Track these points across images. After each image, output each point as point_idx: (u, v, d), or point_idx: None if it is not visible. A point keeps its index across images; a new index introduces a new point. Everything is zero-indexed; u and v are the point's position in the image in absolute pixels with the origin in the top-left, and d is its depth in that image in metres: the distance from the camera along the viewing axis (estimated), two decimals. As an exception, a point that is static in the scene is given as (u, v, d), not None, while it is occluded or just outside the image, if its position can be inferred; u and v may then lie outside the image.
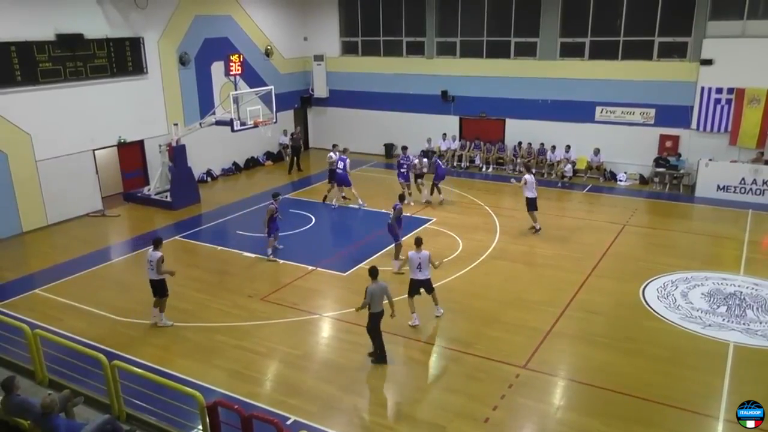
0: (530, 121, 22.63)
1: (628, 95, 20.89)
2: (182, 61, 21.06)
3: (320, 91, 26.62)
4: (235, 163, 23.88)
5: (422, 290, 11.43)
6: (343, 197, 19.04)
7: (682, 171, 20.13)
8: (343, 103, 26.37)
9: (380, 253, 14.99)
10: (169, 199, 19.06)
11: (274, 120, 19.45)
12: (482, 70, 23.27)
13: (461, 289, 13.07)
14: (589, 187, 20.97)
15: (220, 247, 15.71)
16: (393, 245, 14.24)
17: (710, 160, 19.38)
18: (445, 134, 24.09)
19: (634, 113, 21.00)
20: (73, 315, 12.12)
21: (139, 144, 20.21)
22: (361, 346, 10.56)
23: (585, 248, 15.16)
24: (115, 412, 8.09)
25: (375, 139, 25.63)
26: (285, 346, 10.90)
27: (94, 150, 18.68)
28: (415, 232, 16.28)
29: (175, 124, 19.52)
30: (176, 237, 16.54)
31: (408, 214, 17.03)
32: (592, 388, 9.55)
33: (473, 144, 23.82)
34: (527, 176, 16.03)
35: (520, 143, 22.90)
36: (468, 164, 23.58)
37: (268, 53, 24.68)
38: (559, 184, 21.23)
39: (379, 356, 10.21)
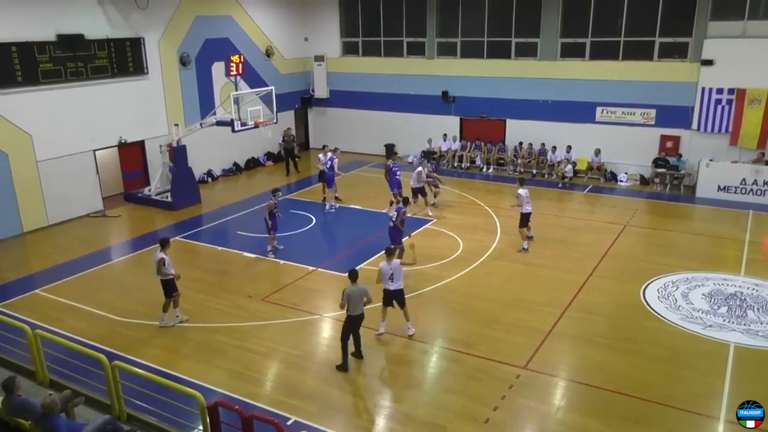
0: (531, 121, 22.62)
1: (628, 96, 20.89)
2: (183, 62, 21.07)
3: (321, 91, 26.63)
4: (235, 164, 23.89)
5: (395, 303, 10.94)
6: (336, 197, 19.05)
7: (682, 171, 20.12)
8: (343, 103, 26.38)
9: (381, 253, 14.95)
10: (169, 199, 19.07)
11: (275, 120, 19.46)
12: (483, 71, 23.27)
13: (461, 289, 13.07)
14: (589, 187, 20.97)
15: (220, 248, 15.72)
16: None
17: (711, 160, 19.38)
18: (445, 135, 24.09)
19: (634, 114, 20.99)
20: (73, 315, 12.13)
21: (140, 144, 20.22)
22: (364, 349, 10.54)
23: (585, 249, 15.15)
24: (116, 413, 8.10)
25: (375, 140, 25.63)
26: (285, 347, 10.90)
27: (94, 150, 18.68)
28: (415, 232, 16.32)
29: (176, 125, 19.53)
30: (177, 237, 16.54)
31: (409, 215, 17.01)
32: (592, 388, 9.55)
33: (474, 144, 23.82)
34: (520, 191, 14.85)
35: (520, 143, 22.89)
36: (469, 165, 23.58)
37: (268, 53, 24.69)
38: (560, 185, 21.22)
39: (341, 366, 10.07)
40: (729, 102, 19.37)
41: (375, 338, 10.94)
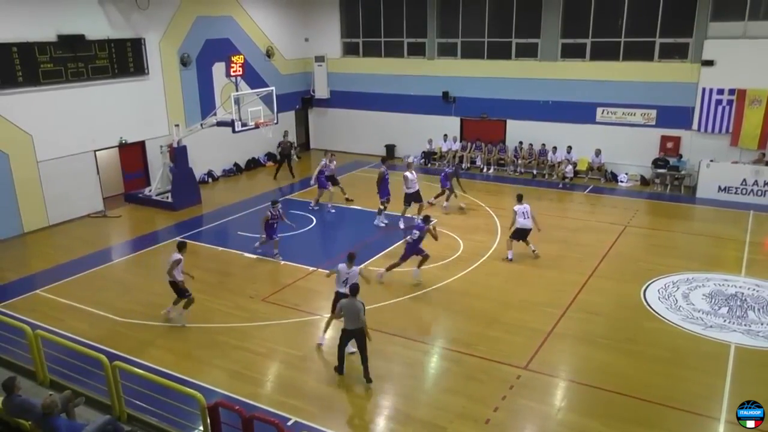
0: (531, 122, 22.62)
1: (629, 96, 20.89)
2: (183, 62, 21.08)
3: (321, 92, 26.64)
4: (236, 164, 23.90)
5: None
6: (347, 198, 19.07)
7: (683, 172, 20.12)
8: (344, 104, 26.39)
9: (381, 254, 14.99)
10: (170, 199, 19.07)
11: (275, 121, 19.48)
12: (483, 71, 23.27)
13: (462, 289, 13.06)
14: (590, 188, 20.97)
15: (221, 248, 15.72)
16: (412, 256, 13.49)
17: (711, 161, 19.38)
18: (446, 135, 24.10)
19: (635, 114, 20.99)
20: (74, 316, 12.13)
21: (141, 145, 20.23)
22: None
23: (586, 249, 15.15)
24: (116, 413, 8.10)
25: (376, 140, 25.64)
26: (286, 347, 10.90)
27: (95, 151, 18.69)
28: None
29: (177, 125, 19.54)
30: (177, 238, 16.52)
31: (409, 216, 17.03)
32: (593, 389, 9.54)
33: (474, 145, 23.82)
34: (516, 207, 14.36)
35: (520, 144, 22.89)
36: (469, 165, 23.58)
37: (269, 54, 24.70)
38: (560, 185, 21.22)
39: (337, 368, 9.99)
40: (729, 102, 19.37)
41: (390, 335, 10.87)
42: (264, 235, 14.84)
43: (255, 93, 19.44)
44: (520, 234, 14.48)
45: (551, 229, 16.35)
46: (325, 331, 10.98)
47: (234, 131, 17.96)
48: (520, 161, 22.72)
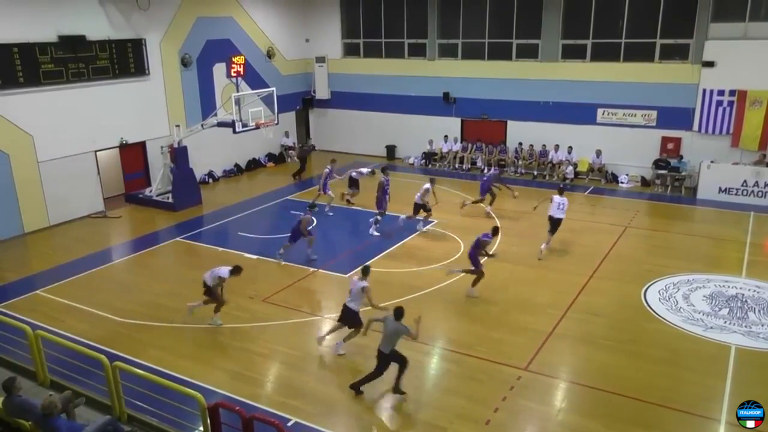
0: (532, 123, 22.61)
1: (629, 97, 20.89)
2: (184, 63, 21.10)
3: (322, 92, 26.64)
4: (236, 165, 23.90)
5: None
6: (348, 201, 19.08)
7: (683, 173, 20.11)
8: (344, 104, 26.40)
9: (381, 255, 14.99)
10: (170, 200, 19.08)
11: (276, 122, 19.48)
12: (484, 72, 23.27)
13: (463, 290, 13.04)
14: (590, 189, 20.96)
15: (221, 249, 15.72)
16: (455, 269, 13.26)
17: (712, 162, 19.37)
18: (446, 136, 24.10)
19: (635, 115, 20.98)
20: (74, 316, 12.13)
21: (141, 145, 20.24)
22: (363, 348, 10.53)
23: (586, 250, 15.15)
24: (116, 413, 8.10)
25: (376, 141, 25.65)
26: (286, 348, 10.90)
27: (95, 151, 18.70)
28: (415, 234, 16.33)
29: (177, 126, 19.56)
30: (177, 238, 16.55)
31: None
32: (593, 390, 9.53)
33: (475, 146, 23.82)
34: (554, 197, 15.12)
35: (520, 144, 22.90)
36: (470, 166, 23.57)
37: (269, 55, 24.71)
38: (561, 186, 21.15)
39: (355, 384, 9.47)
40: (730, 104, 19.36)
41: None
42: (310, 236, 14.55)
43: (256, 93, 19.43)
44: (553, 224, 14.87)
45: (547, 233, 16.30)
46: (327, 333, 10.92)
47: (234, 132, 17.96)
48: (520, 162, 22.72)
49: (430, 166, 24.09)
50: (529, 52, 22.58)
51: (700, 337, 11.02)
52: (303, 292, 13.18)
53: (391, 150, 25.63)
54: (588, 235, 16.32)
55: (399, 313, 9.21)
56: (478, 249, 12.72)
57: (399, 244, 15.69)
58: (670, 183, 20.33)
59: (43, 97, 17.04)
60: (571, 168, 21.62)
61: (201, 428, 7.51)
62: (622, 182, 21.27)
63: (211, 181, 22.53)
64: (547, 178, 22.03)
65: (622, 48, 20.96)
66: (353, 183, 19.11)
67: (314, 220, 14.78)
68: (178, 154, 19.11)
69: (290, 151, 25.60)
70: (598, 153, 21.47)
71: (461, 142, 24.18)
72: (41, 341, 8.86)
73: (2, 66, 16.09)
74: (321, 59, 26.25)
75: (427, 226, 16.72)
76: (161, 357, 10.47)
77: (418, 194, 16.35)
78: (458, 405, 9.14)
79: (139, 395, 8.36)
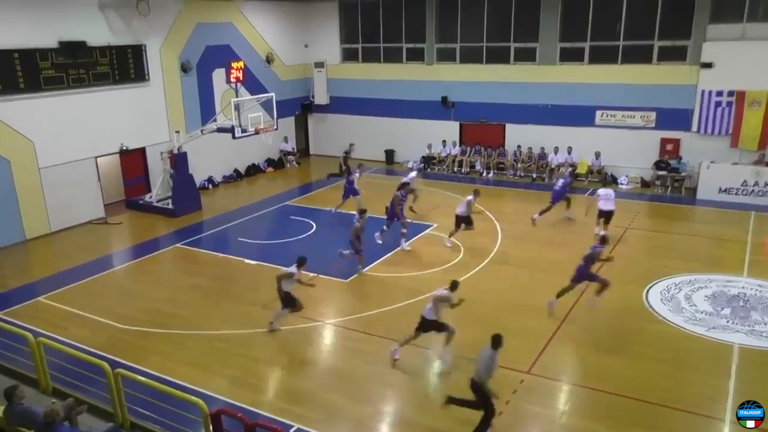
0: (530, 126, 22.65)
1: (628, 99, 20.93)
2: (184, 69, 21.13)
3: (321, 97, 26.68)
4: (236, 170, 23.91)
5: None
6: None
7: (683, 174, 20.13)
8: (343, 109, 26.43)
9: (381, 259, 14.99)
10: (170, 206, 19.08)
11: (275, 127, 19.50)
12: (482, 76, 23.31)
13: (464, 294, 12.85)
14: (590, 190, 20.93)
15: (221, 254, 15.71)
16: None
17: (711, 162, 19.39)
18: (444, 141, 24.13)
19: (634, 117, 21.02)
20: (76, 323, 12.11)
21: (141, 151, 20.25)
22: (365, 354, 10.53)
23: (577, 250, 15.06)
24: (119, 421, 8.09)
25: (376, 146, 25.67)
26: (288, 354, 10.89)
27: (96, 157, 18.71)
28: (415, 238, 16.32)
29: (177, 132, 19.58)
30: (178, 244, 16.54)
31: (408, 220, 16.93)
32: (596, 392, 9.52)
33: (474, 149, 23.84)
34: (600, 191, 16.09)
35: (519, 147, 22.92)
36: (469, 169, 23.59)
37: (269, 60, 24.76)
38: (604, 180, 21.08)
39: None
40: (729, 104, 19.40)
41: (389, 340, 10.86)
42: (359, 254, 14.18)
43: (255, 99, 19.45)
44: (605, 215, 15.71)
45: (553, 232, 16.36)
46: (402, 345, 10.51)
47: (234, 137, 17.96)
48: (519, 165, 22.74)
49: (429, 170, 24.10)
50: (527, 56, 22.62)
51: (702, 337, 11.01)
52: (304, 298, 13.10)
53: (389, 154, 25.65)
54: (589, 237, 16.28)
55: (496, 341, 8.39)
56: (591, 262, 12.01)
57: (397, 249, 15.65)
58: (669, 184, 20.36)
59: (43, 103, 17.05)
60: (570, 170, 21.62)
61: (204, 434, 7.49)
62: (621, 184, 21.28)
63: (210, 186, 22.54)
64: (546, 180, 22.02)
65: (620, 50, 21.01)
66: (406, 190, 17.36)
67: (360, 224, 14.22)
68: (178, 160, 19.12)
69: (290, 156, 25.62)
70: (598, 155, 21.50)
71: (460, 146, 24.21)
72: (43, 348, 8.85)
73: (3, 72, 16.10)
74: (320, 64, 26.30)
75: (406, 244, 15.87)
76: (163, 364, 10.45)
77: (461, 207, 15.56)
78: (461, 410, 9.08)
79: (142, 402, 8.33)
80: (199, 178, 21.24)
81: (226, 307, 12.67)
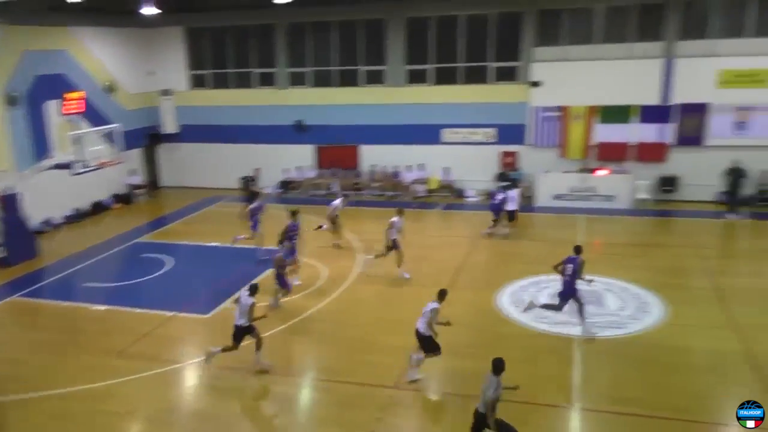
0: (383, 146, 23.47)
1: (470, 117, 22.47)
2: (10, 101, 19.29)
3: (170, 126, 25.64)
4: (78, 209, 22.08)
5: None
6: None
7: (523, 183, 21.92)
8: (196, 137, 25.59)
9: (242, 289, 14.63)
10: (3, 254, 17.24)
11: (121, 160, 18.44)
12: (335, 99, 23.80)
13: (329, 317, 13.13)
14: (442, 205, 22.10)
15: (66, 303, 14.45)
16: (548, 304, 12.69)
17: (546, 172, 21.31)
18: (300, 165, 24.24)
19: (477, 133, 22.60)
20: None
21: (-37, 195, 18.13)
22: (232, 392, 10.20)
23: (443, 264, 15.89)
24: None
25: (231, 173, 25.08)
26: (150, 402, 10.24)
27: None
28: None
29: (2, 171, 17.77)
30: (14, 297, 14.95)
31: (260, 246, 16.66)
32: (463, 397, 9.85)
33: (330, 172, 24.19)
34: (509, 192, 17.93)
35: (374, 167, 23.64)
36: (326, 192, 23.82)
37: (110, 89, 23.33)
38: (414, 205, 22.13)
39: None
40: (556, 119, 21.49)
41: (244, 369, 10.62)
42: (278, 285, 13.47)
43: (97, 131, 18.28)
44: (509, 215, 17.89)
45: (410, 247, 16.88)
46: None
47: (74, 173, 16.69)
48: (374, 184, 23.44)
49: (286, 194, 24.03)
50: (376, 78, 23.48)
51: (548, 333, 11.99)
52: (162, 339, 12.48)
53: (247, 181, 25.17)
54: (443, 249, 17.17)
55: (497, 367, 7.93)
56: (577, 273, 11.95)
57: (261, 276, 15.42)
58: (512, 194, 22.05)
59: None
60: (422, 186, 22.70)
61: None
62: (469, 196, 22.67)
63: (49, 229, 20.63)
64: (400, 198, 22.87)
65: (460, 72, 22.51)
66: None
67: None
68: (8, 202, 17.36)
69: (139, 190, 24.26)
70: (446, 171, 22.77)
71: (316, 169, 24.45)
72: None
73: None
74: (167, 92, 25.30)
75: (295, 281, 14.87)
76: (4, 433, 9.38)
77: (392, 229, 15.06)
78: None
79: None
80: (35, 221, 19.38)
81: (76, 361, 11.65)
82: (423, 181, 22.83)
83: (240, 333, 10.67)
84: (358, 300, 13.96)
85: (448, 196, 22.74)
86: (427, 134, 22.91)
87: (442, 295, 10.46)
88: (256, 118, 24.64)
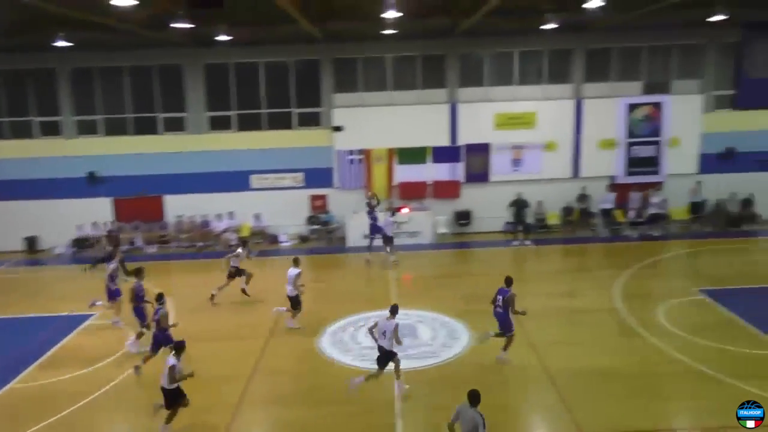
0: (190, 195, 22.56)
1: (277, 162, 22.65)
2: None
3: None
4: None
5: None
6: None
7: (334, 225, 22.54)
8: (-37, 195, 22.29)
9: (35, 365, 12.93)
10: None
11: None
12: (132, 148, 22.44)
13: (138, 380, 12.10)
14: (255, 252, 21.71)
15: None
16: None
17: (354, 212, 22.14)
18: (96, 220, 22.29)
19: (285, 178, 22.80)
20: None
21: None
22: None
23: (260, 313, 15.56)
24: None
25: (11, 234, 22.21)
26: None
27: None
28: (77, 330, 14.59)
29: None
30: None
31: (68, 314, 15.09)
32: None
33: (132, 225, 22.58)
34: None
35: (181, 218, 22.60)
36: (129, 247, 22.11)
37: None
38: (227, 254, 21.51)
39: None
40: (360, 161, 22.55)
41: None
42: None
43: None
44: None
45: (223, 298, 16.35)
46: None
47: None
48: (183, 236, 22.38)
49: (80, 254, 21.84)
50: (176, 125, 22.65)
51: (370, 370, 12.28)
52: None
53: (32, 242, 22.49)
54: (259, 297, 16.81)
55: (475, 397, 7.92)
56: (510, 306, 12.01)
57: (59, 345, 13.78)
58: (324, 236, 22.52)
59: None
60: (234, 234, 22.19)
61: None
62: (282, 241, 22.67)
63: None
64: (211, 248, 22.11)
65: (264, 118, 22.67)
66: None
67: None
68: None
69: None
70: (257, 217, 22.57)
71: (116, 223, 22.63)
72: None
73: None
74: None
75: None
76: None
77: (289, 285, 14.40)
78: None
79: None
80: None
81: None
82: (234, 229, 22.33)
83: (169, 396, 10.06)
84: (156, 364, 13.04)
85: (262, 242, 22.49)
86: (235, 181, 22.55)
87: (394, 311, 11.42)
88: (41, 171, 22.23)
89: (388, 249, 19.25)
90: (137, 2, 12.61)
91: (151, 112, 22.58)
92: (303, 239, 22.85)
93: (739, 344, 12.73)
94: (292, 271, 14.51)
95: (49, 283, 18.79)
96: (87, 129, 22.61)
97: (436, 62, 22.53)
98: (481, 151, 22.65)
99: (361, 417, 10.60)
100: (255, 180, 22.78)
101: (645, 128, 22.56)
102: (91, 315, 15.59)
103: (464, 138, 22.60)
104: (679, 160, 22.59)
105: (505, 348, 12.29)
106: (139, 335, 13.36)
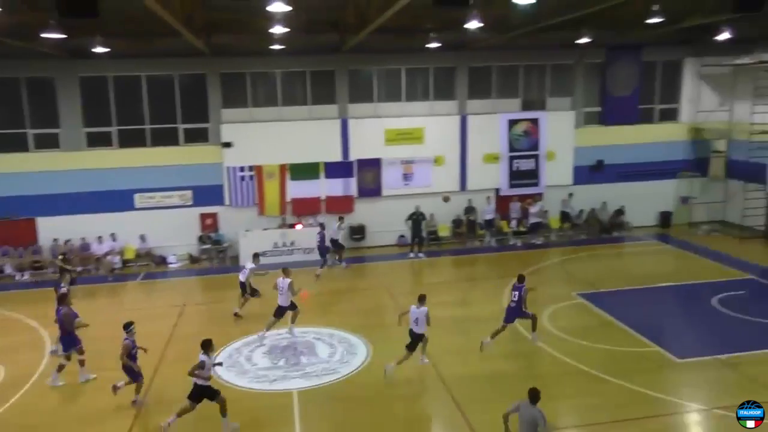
0: (67, 216, 21.00)
1: (164, 180, 21.66)
2: None
3: None
4: None
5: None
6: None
7: (225, 244, 21.91)
8: None
9: None
10: None
11: None
12: (-4, 167, 20.58)
13: (16, 422, 11.10)
14: (142, 275, 20.65)
15: None
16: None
17: (247, 231, 21.63)
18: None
19: (173, 197, 21.85)
20: None
21: None
22: None
23: (149, 338, 14.68)
24: None
25: None
26: None
27: None
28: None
29: None
30: None
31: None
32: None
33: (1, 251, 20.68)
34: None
35: (57, 241, 20.97)
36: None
37: None
38: (110, 278, 20.30)
39: None
40: (251, 178, 22.11)
41: None
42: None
43: None
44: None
45: (105, 327, 15.28)
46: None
47: None
48: (59, 260, 20.75)
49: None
50: (49, 142, 21.06)
51: (267, 392, 12.05)
52: None
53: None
54: (148, 322, 15.86)
55: (535, 395, 8.10)
56: (523, 299, 13.32)
57: None
58: (215, 256, 21.80)
59: None
60: (117, 257, 20.95)
61: None
62: (171, 263, 21.70)
63: None
64: (93, 272, 20.72)
65: (148, 133, 21.64)
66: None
67: None
68: None
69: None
70: (143, 238, 21.45)
71: (-20, 249, 20.67)
72: None
73: None
74: None
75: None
76: None
77: (282, 296, 14.59)
78: None
79: None
80: None
81: None
82: (118, 252, 21.08)
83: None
84: (48, 397, 12.08)
85: (149, 264, 21.39)
86: (117, 201, 21.29)
87: (422, 299, 12.37)
88: None
89: (337, 258, 20.68)
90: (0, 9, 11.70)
91: (21, 128, 20.86)
92: (193, 260, 21.98)
93: (616, 343, 13.78)
94: (283, 281, 14.58)
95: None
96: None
97: (326, 78, 22.63)
98: (372, 166, 22.98)
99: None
100: (139, 199, 21.64)
101: (525, 143, 23.97)
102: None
103: (356, 153, 22.83)
104: (556, 172, 24.21)
105: (534, 329, 13.65)
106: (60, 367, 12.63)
